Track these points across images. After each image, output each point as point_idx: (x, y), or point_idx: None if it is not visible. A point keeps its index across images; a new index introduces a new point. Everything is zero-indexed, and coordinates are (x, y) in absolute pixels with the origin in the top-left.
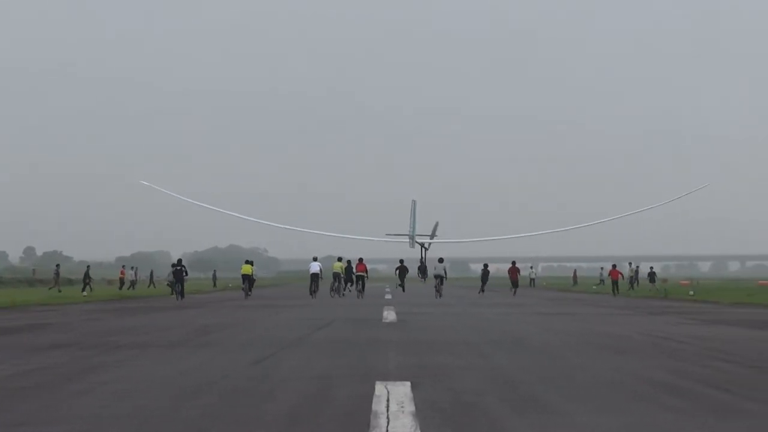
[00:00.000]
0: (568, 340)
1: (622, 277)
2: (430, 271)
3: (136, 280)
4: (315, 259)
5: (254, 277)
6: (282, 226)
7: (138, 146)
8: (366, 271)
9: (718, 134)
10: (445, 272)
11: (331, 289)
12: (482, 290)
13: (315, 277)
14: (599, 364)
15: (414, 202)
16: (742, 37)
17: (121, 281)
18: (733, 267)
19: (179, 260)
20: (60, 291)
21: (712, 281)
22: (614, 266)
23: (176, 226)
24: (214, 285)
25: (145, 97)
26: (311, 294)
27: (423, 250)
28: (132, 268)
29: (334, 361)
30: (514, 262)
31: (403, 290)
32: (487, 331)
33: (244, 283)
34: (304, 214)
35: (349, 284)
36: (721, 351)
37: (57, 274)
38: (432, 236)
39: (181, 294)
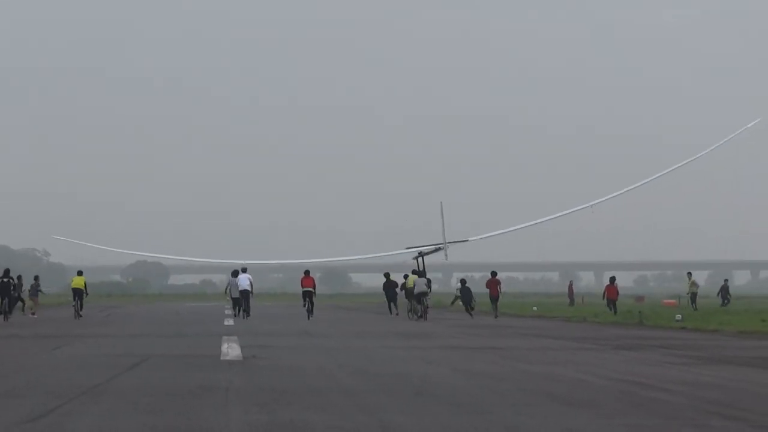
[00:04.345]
0: (497, 386)
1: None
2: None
3: None
4: (244, 270)
5: (86, 292)
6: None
7: None
8: (314, 287)
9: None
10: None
11: (409, 310)
12: (395, 311)
13: (246, 296)
14: (544, 425)
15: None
16: None
17: None
18: (741, 279)
19: (7, 270)
20: None
21: (710, 300)
22: (612, 280)
23: None
24: None
25: None
26: (237, 316)
27: (423, 260)
28: None
29: (148, 421)
30: (494, 273)
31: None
32: (375, 374)
33: (75, 300)
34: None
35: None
36: (720, 403)
37: None
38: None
39: (9, 312)
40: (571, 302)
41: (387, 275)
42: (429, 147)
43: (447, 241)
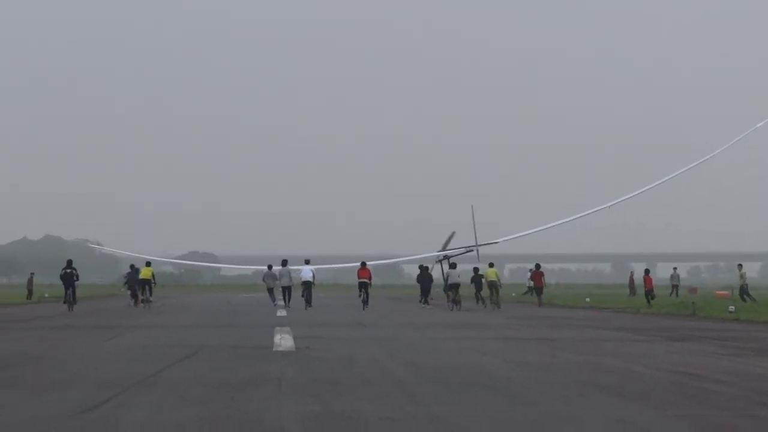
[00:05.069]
0: (548, 377)
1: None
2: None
3: None
4: (307, 262)
5: (155, 282)
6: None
7: None
8: (370, 278)
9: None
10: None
11: (491, 301)
12: (425, 301)
13: (308, 287)
14: (595, 416)
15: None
16: None
17: None
18: None
19: (69, 261)
20: None
21: (764, 291)
22: (648, 271)
23: None
24: (29, 296)
25: None
26: (307, 305)
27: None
28: None
29: (200, 412)
30: (538, 266)
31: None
32: (425, 365)
33: (143, 292)
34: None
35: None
36: None
37: None
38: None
39: (73, 302)
40: (632, 292)
41: (422, 267)
42: (428, 145)
43: (478, 243)
